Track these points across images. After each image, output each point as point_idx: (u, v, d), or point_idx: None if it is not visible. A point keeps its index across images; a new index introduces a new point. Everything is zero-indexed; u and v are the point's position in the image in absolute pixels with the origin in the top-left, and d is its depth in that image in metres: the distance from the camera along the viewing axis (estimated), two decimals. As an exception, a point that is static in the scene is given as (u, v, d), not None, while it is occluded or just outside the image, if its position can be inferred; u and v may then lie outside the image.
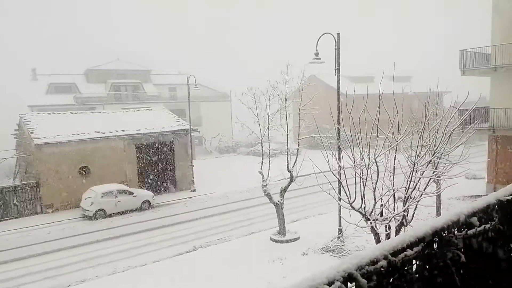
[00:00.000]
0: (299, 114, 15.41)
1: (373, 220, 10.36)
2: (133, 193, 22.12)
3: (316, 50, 14.75)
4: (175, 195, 25.51)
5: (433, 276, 2.60)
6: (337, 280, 1.97)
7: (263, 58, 75.49)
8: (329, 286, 1.92)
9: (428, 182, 10.96)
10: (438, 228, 2.63)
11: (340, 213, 14.47)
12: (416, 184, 10.47)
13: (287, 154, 15.92)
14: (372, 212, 10.31)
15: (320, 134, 11.96)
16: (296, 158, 15.56)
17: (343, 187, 10.84)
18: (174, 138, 26.83)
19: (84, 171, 23.32)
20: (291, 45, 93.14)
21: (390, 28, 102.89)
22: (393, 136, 10.65)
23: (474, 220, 2.93)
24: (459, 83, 23.13)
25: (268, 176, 16.28)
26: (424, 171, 10.86)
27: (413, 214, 10.87)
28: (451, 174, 11.56)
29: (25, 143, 24.98)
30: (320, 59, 14.82)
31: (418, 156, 10.52)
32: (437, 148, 11.24)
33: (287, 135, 15.94)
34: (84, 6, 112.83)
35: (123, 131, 24.98)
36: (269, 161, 16.18)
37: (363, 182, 10.41)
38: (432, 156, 11.07)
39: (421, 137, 10.87)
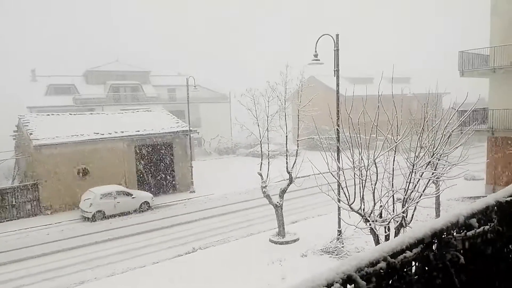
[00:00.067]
0: (298, 115, 15.42)
1: (372, 221, 10.36)
2: (132, 195, 22.10)
3: (316, 51, 14.77)
4: (174, 197, 25.48)
5: (433, 277, 2.60)
6: (337, 282, 1.97)
7: (263, 58, 75.63)
8: (328, 288, 1.92)
9: (427, 183, 10.97)
10: (437, 229, 2.63)
11: (340, 215, 14.47)
12: (415, 185, 10.48)
13: (287, 155, 15.93)
14: (371, 213, 10.32)
15: (319, 135, 11.97)
16: (296, 159, 15.56)
17: (342, 189, 10.84)
18: (173, 140, 26.82)
19: (83, 172, 23.28)
20: (291, 45, 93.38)
21: (390, 28, 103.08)
22: (392, 137, 10.66)
23: (473, 221, 2.93)
24: (458, 84, 23.16)
25: (267, 177, 16.27)
26: (423, 172, 10.87)
27: (412, 215, 10.87)
28: (450, 175, 11.57)
29: (24, 144, 24.95)
30: (319, 60, 14.82)
31: (417, 157, 10.53)
32: (436, 149, 11.25)
33: (286, 136, 15.94)
34: (84, 6, 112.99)
35: (122, 132, 24.96)
36: (269, 162, 16.17)
37: (362, 183, 10.41)
38: (431, 157, 11.08)
39: (420, 138, 10.88)
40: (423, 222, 13.84)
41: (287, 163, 15.87)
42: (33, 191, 22.24)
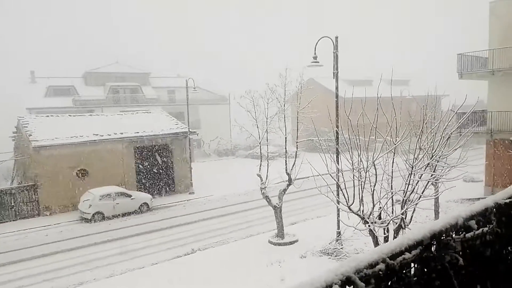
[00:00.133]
0: (297, 117, 15.43)
1: (372, 223, 10.36)
2: (131, 196, 22.08)
3: (315, 54, 14.79)
4: (173, 198, 25.46)
5: (431, 279, 2.60)
6: (335, 284, 1.98)
7: (263, 59, 75.65)
8: (328, 290, 1.93)
9: (426, 185, 10.98)
10: (436, 231, 2.64)
11: (339, 216, 14.47)
12: (414, 187, 10.48)
13: (286, 157, 15.93)
14: (370, 215, 10.32)
15: (318, 137, 11.97)
16: (295, 161, 15.57)
17: (341, 190, 10.84)
18: (173, 141, 26.80)
19: (82, 173, 23.26)
20: (291, 46, 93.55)
21: (390, 28, 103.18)
22: (391, 139, 10.67)
23: (472, 223, 2.94)
24: (457, 86, 23.18)
25: (266, 179, 16.27)
26: (422, 174, 10.87)
27: (411, 217, 10.88)
28: (449, 177, 11.57)
29: (23, 145, 24.93)
30: (318, 62, 14.85)
31: (416, 159, 10.54)
32: (435, 151, 11.26)
33: (286, 138, 15.95)
34: (84, 6, 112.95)
35: (122, 133, 24.95)
36: (268, 163, 16.17)
37: (361, 185, 10.41)
38: (430, 159, 11.09)
39: (419, 140, 10.88)
40: (422, 224, 13.83)
41: (286, 164, 15.87)
42: (32, 192, 22.22)
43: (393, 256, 2.33)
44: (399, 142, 10.56)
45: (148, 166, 26.12)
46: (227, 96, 45.87)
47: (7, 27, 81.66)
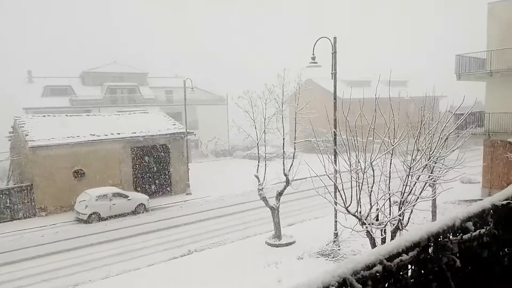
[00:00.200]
0: (295, 117, 15.42)
1: (369, 224, 10.35)
2: (128, 196, 22.01)
3: (313, 54, 14.78)
4: (170, 198, 25.40)
5: (428, 281, 2.58)
6: (332, 285, 1.95)
7: (263, 59, 75.76)
8: (324, 291, 1.90)
9: (424, 186, 10.98)
10: (434, 232, 2.62)
11: (336, 217, 14.45)
12: (412, 188, 10.47)
13: (283, 158, 15.92)
14: (367, 216, 10.31)
15: (316, 138, 11.96)
16: (292, 161, 15.56)
17: (339, 191, 10.82)
18: (170, 141, 26.75)
19: (78, 174, 23.18)
20: (291, 46, 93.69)
21: (390, 28, 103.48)
22: (389, 140, 10.66)
23: (470, 224, 2.92)
24: (455, 88, 23.25)
25: (264, 180, 16.24)
26: (419, 176, 10.88)
27: (409, 218, 10.87)
28: (446, 178, 11.59)
29: (20, 145, 24.83)
30: (316, 63, 14.85)
31: (414, 160, 10.54)
32: (432, 152, 11.27)
33: (283, 138, 15.94)
34: (84, 6, 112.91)
35: (119, 134, 24.88)
36: (265, 164, 16.16)
37: (359, 186, 10.40)
38: (428, 160, 11.10)
39: (417, 141, 10.88)
40: (419, 225, 13.88)
41: (284, 165, 15.86)
42: (28, 193, 22.11)
43: (390, 258, 2.31)
44: (397, 143, 10.56)
45: (145, 167, 26.05)
46: (225, 97, 45.89)
47: (7, 27, 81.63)
